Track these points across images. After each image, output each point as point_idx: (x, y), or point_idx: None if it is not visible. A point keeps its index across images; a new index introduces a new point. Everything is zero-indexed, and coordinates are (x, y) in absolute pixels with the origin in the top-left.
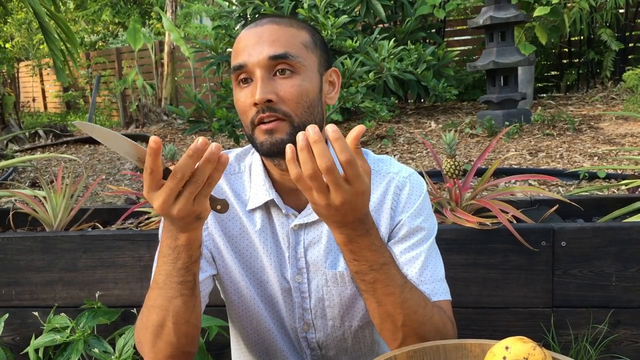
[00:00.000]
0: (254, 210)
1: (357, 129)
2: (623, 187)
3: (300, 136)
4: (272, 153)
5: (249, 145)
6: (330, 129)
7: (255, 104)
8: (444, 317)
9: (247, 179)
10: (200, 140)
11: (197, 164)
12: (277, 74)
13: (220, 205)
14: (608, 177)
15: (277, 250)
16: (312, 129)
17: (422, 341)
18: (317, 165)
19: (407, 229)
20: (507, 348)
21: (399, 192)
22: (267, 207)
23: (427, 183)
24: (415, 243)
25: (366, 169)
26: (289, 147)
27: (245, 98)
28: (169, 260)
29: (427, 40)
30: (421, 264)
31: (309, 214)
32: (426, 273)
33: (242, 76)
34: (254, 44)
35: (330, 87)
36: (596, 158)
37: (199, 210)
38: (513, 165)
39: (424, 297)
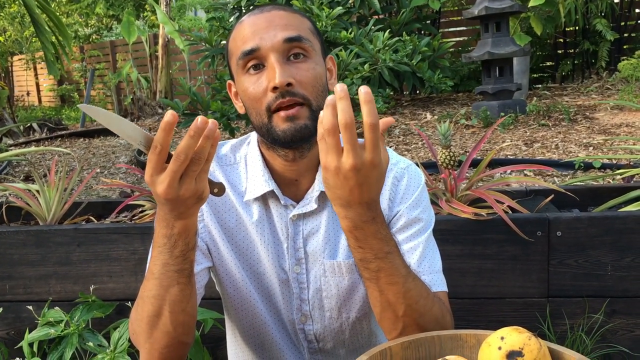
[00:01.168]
0: (251, 201)
1: (388, 120)
2: (618, 177)
3: (329, 97)
4: (295, 140)
5: (244, 137)
6: (363, 89)
7: (274, 89)
8: (443, 308)
9: (243, 170)
10: (200, 119)
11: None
12: (291, 58)
13: (217, 189)
14: (603, 167)
15: (275, 241)
16: (340, 86)
17: (421, 332)
18: (337, 121)
19: (405, 220)
20: (502, 338)
21: (397, 183)
22: (264, 198)
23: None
24: (414, 234)
25: (385, 155)
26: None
27: (258, 84)
28: (165, 249)
29: (422, 32)
30: (419, 255)
31: (307, 204)
32: (424, 264)
33: (252, 62)
34: (265, 28)
35: (329, 74)
36: (591, 148)
37: (201, 189)
38: (508, 156)
39: (426, 287)
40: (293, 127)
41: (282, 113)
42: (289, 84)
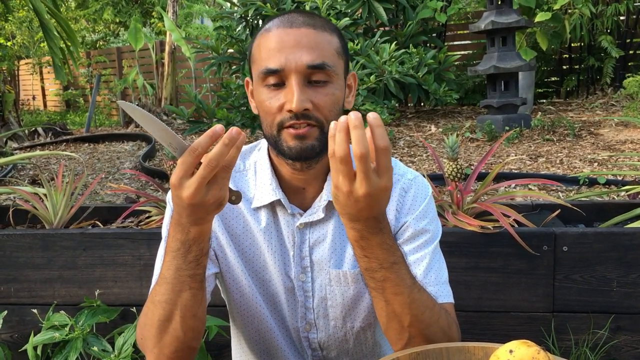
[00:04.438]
0: (259, 208)
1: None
2: (623, 193)
3: (341, 118)
4: (301, 158)
5: (254, 143)
6: (372, 115)
7: (290, 111)
8: (449, 320)
9: (252, 176)
10: (234, 130)
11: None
12: (312, 81)
13: (235, 197)
14: (608, 183)
15: (282, 248)
16: (353, 114)
17: (427, 343)
18: (349, 148)
19: (412, 231)
20: (511, 351)
21: (404, 194)
22: (272, 205)
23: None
24: (420, 245)
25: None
26: (332, 123)
27: (276, 99)
28: (179, 254)
29: (428, 44)
30: (425, 266)
31: (314, 213)
32: (430, 275)
33: (274, 79)
34: (291, 48)
35: (348, 91)
36: (596, 164)
37: (224, 196)
38: (513, 170)
39: (432, 298)
40: (300, 145)
41: (292, 130)
42: (305, 109)
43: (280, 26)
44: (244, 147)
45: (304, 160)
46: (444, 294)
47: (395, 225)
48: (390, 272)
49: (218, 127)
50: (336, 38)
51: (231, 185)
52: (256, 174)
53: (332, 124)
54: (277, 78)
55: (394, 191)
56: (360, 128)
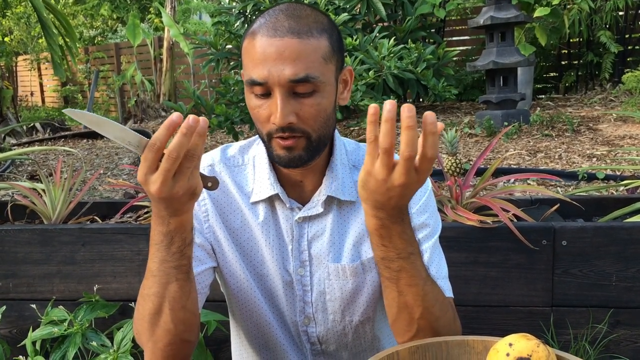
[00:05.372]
0: (257, 202)
1: (441, 125)
2: (622, 188)
3: (387, 105)
4: (290, 167)
5: (253, 138)
6: (430, 119)
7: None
8: (454, 314)
9: (251, 171)
10: (191, 117)
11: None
12: (297, 92)
13: (211, 182)
14: (607, 178)
15: (280, 242)
16: (407, 112)
17: (435, 335)
18: (394, 141)
19: (412, 225)
20: (510, 345)
21: None
22: (270, 200)
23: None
24: (421, 239)
25: None
26: (372, 107)
27: (263, 109)
28: (162, 246)
29: (427, 40)
30: (426, 261)
31: (313, 207)
32: (431, 270)
33: (259, 90)
34: (274, 60)
35: (342, 87)
36: (595, 159)
37: (194, 185)
38: (512, 165)
39: (441, 292)
40: (288, 156)
41: (281, 141)
42: (289, 122)
43: (265, 34)
44: (242, 142)
45: (294, 168)
46: (444, 289)
47: None
48: (407, 263)
49: (175, 115)
50: (325, 40)
51: (229, 180)
52: (255, 168)
53: (371, 107)
54: (263, 89)
55: None
56: (413, 129)
